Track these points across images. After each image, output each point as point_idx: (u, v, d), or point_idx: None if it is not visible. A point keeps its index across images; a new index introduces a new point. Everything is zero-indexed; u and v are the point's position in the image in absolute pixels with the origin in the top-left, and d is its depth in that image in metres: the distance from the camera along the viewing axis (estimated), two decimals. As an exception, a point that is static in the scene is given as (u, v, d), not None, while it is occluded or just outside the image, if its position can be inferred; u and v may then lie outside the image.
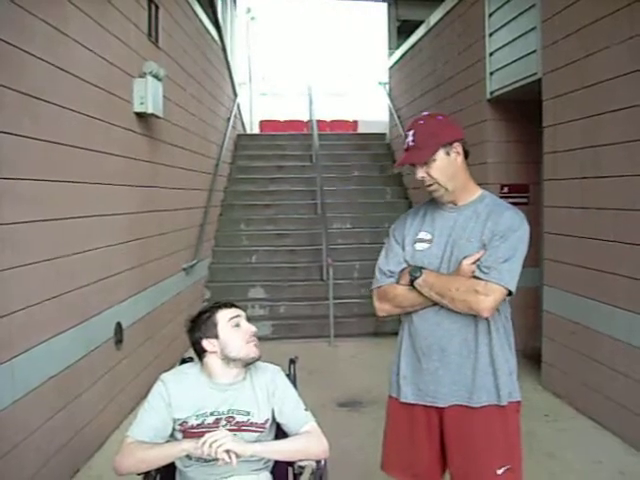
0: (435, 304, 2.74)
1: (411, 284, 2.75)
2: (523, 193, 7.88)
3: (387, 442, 3.00)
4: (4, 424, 3.72)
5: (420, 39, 10.91)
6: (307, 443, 2.72)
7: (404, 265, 2.84)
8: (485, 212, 2.76)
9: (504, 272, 2.64)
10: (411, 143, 2.75)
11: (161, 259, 7.13)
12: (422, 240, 2.84)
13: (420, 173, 2.77)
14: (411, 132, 2.77)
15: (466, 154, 2.82)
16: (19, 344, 3.90)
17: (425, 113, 2.94)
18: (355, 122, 19.10)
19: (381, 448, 3.04)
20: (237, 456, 2.51)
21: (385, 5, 14.33)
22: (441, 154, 2.74)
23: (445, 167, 2.75)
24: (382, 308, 2.92)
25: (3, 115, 3.75)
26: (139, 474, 2.67)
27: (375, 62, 15.65)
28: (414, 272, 2.75)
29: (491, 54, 7.69)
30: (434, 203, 2.90)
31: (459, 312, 2.70)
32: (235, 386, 2.81)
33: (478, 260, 2.68)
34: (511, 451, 2.79)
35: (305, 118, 15.81)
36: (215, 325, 2.81)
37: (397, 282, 2.83)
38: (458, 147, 2.78)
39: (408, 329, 2.89)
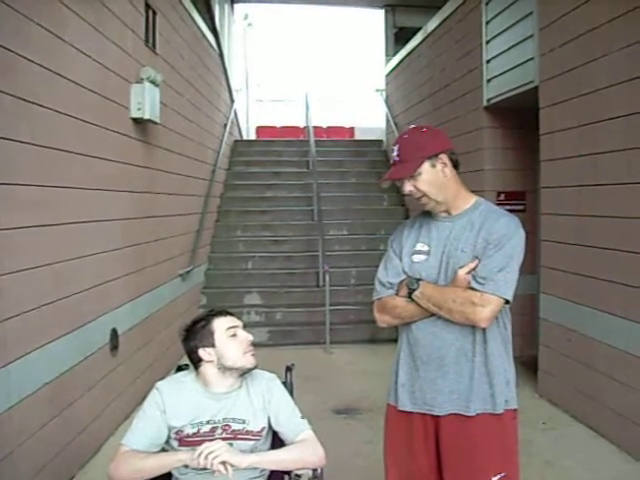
0: (433, 314, 2.74)
1: (409, 296, 2.75)
2: (520, 200, 7.88)
3: (386, 450, 2.99)
4: (-2, 431, 3.71)
5: (417, 46, 10.93)
6: (303, 452, 2.71)
7: (403, 276, 2.84)
8: (479, 221, 2.76)
9: (500, 282, 2.64)
10: (396, 158, 2.76)
11: (157, 265, 7.11)
12: (419, 252, 2.84)
13: (407, 187, 2.77)
14: (396, 147, 2.78)
15: (455, 164, 2.81)
16: (14, 350, 3.87)
17: (411, 126, 2.95)
18: (352, 129, 19.13)
19: (382, 457, 3.02)
20: (233, 467, 2.50)
21: (382, 12, 14.36)
22: (426, 167, 2.73)
23: (432, 179, 2.74)
24: (382, 319, 2.92)
25: (-1, 120, 3.75)
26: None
27: (372, 69, 15.66)
28: (412, 284, 2.74)
29: (488, 61, 7.70)
30: (430, 214, 2.90)
31: (457, 323, 2.70)
32: (231, 395, 2.80)
33: (473, 270, 2.67)
34: (507, 459, 2.78)
35: (302, 124, 15.84)
36: (212, 334, 2.79)
37: (396, 294, 2.83)
38: (444, 158, 2.77)
39: (407, 338, 2.88)
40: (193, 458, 2.52)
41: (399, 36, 13.93)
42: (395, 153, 2.76)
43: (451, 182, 2.79)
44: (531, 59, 6.65)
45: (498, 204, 7.00)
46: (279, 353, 7.25)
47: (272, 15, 19.32)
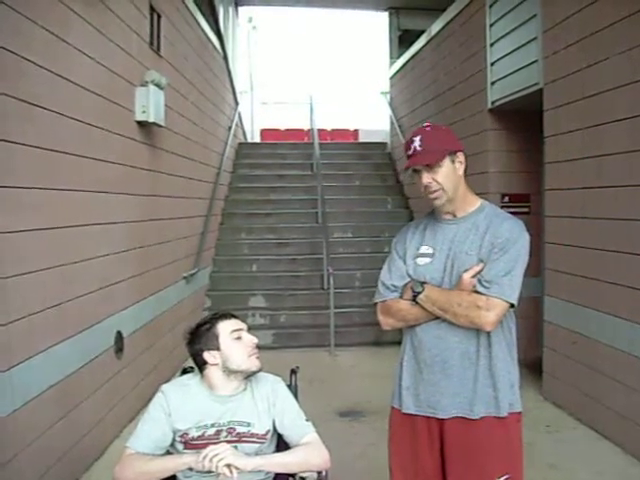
0: (438, 317, 2.74)
1: (414, 299, 2.75)
2: (524, 203, 7.87)
3: (391, 453, 2.99)
4: (3, 433, 3.71)
5: (421, 49, 10.93)
6: (308, 454, 2.71)
7: (407, 279, 2.85)
8: (484, 224, 2.77)
9: (505, 286, 2.64)
10: (418, 148, 2.75)
11: (162, 267, 7.12)
12: (424, 254, 2.84)
13: (426, 179, 2.76)
14: (417, 137, 2.77)
15: (466, 167, 2.83)
16: (19, 353, 3.88)
17: (427, 123, 2.95)
18: (356, 131, 19.11)
19: (387, 459, 3.02)
20: (237, 470, 2.50)
21: (386, 14, 14.36)
22: (447, 161, 2.75)
23: (450, 174, 2.76)
24: (386, 322, 2.92)
25: (1, 122, 3.74)
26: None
27: (376, 71, 15.65)
28: (416, 287, 2.75)
29: (492, 64, 7.70)
30: (434, 216, 2.91)
31: (461, 326, 2.70)
32: (236, 397, 2.80)
33: (478, 273, 2.68)
34: (511, 461, 2.78)
35: (306, 127, 15.82)
36: (216, 337, 2.79)
37: (400, 297, 2.83)
38: (461, 157, 2.80)
39: (411, 341, 2.89)
40: (198, 461, 2.52)
41: (403, 39, 13.92)
42: (417, 143, 2.75)
43: (462, 182, 2.82)
44: (535, 61, 6.64)
45: (502, 206, 6.98)
46: (284, 356, 7.24)
47: (276, 18, 19.33)
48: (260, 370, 2.84)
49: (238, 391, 2.81)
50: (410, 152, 2.79)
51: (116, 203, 5.64)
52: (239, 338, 2.81)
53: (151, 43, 6.72)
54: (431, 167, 2.73)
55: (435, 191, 2.76)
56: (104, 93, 5.31)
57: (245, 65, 17.17)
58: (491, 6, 7.69)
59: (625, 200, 5.16)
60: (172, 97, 7.29)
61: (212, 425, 2.73)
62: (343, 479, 3.65)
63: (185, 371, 3.09)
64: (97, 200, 5.19)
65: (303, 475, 2.79)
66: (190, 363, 2.97)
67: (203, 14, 9.76)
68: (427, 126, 2.87)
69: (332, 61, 20.53)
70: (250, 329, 2.91)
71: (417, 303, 2.74)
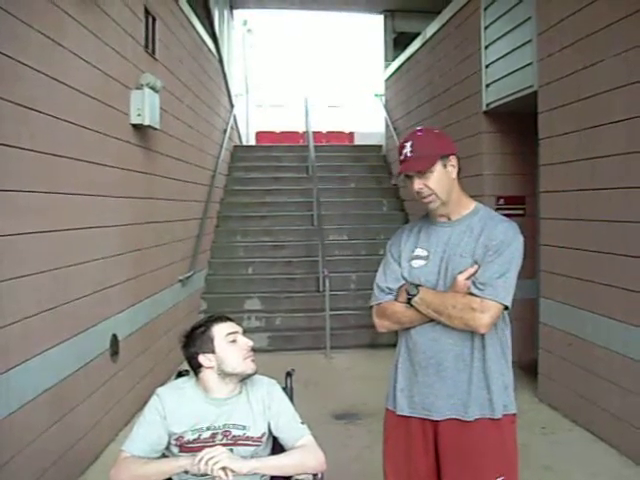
0: (432, 320, 2.74)
1: (408, 302, 2.75)
2: (519, 205, 7.89)
3: (385, 456, 2.99)
4: (-1, 437, 3.71)
5: (416, 51, 10.95)
6: (303, 457, 2.71)
7: (402, 282, 2.85)
8: (479, 226, 2.77)
9: (499, 288, 2.65)
10: (409, 154, 2.75)
11: (157, 270, 7.11)
12: (418, 257, 2.85)
13: (417, 185, 2.76)
14: (409, 143, 2.77)
15: (459, 170, 2.83)
16: (15, 356, 3.88)
17: (420, 128, 2.96)
18: (351, 134, 19.16)
19: (382, 462, 3.02)
20: (233, 472, 2.50)
21: (381, 17, 14.38)
22: (439, 166, 2.75)
23: (442, 179, 2.76)
24: (382, 325, 2.92)
25: (-1, 126, 3.75)
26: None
27: (371, 74, 15.69)
28: (411, 290, 2.75)
29: (487, 66, 7.72)
30: (428, 219, 2.92)
31: (456, 328, 2.70)
32: (231, 400, 2.80)
33: (472, 275, 2.69)
34: (506, 463, 2.78)
35: (301, 130, 15.85)
36: (211, 340, 2.79)
37: (395, 299, 2.84)
38: (454, 160, 2.80)
39: (406, 343, 2.89)
40: (193, 464, 2.53)
41: (398, 41, 13.94)
42: (408, 149, 2.75)
43: (456, 185, 2.82)
44: (530, 64, 6.66)
45: (497, 209, 7.01)
46: (279, 358, 7.25)
47: (271, 21, 19.36)
48: (255, 373, 2.83)
49: (233, 394, 2.82)
50: (402, 158, 2.79)
51: (111, 206, 5.64)
52: (234, 341, 2.81)
53: (146, 46, 6.72)
54: (422, 173, 2.74)
55: (428, 196, 2.77)
56: (99, 96, 5.31)
57: (240, 68, 17.21)
58: (486, 9, 7.71)
59: (619, 202, 5.17)
60: (167, 100, 7.30)
61: (207, 428, 2.73)
62: (339, 481, 3.66)
63: (180, 374, 3.08)
64: (93, 203, 5.19)
65: (299, 478, 2.78)
66: (185, 366, 2.96)
67: (198, 17, 9.76)
68: (419, 130, 2.88)
69: (327, 64, 20.57)
70: (245, 332, 2.91)
71: (412, 305, 2.75)
